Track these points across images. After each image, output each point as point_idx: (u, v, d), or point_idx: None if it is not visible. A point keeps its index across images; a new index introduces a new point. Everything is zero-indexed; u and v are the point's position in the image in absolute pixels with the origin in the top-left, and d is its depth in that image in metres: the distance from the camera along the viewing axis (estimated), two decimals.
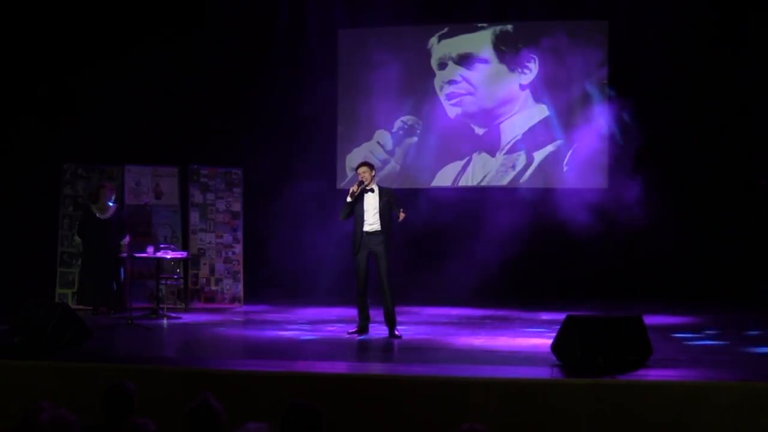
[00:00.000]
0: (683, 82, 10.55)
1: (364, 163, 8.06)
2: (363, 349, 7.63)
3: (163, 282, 9.86)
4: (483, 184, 11.41)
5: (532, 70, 11.24)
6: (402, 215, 7.73)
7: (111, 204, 9.60)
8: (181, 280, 10.23)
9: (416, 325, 8.68)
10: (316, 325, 8.73)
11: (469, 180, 11.49)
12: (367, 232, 7.92)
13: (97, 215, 9.53)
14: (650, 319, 7.09)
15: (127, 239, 9.43)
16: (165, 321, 9.11)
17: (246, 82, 11.44)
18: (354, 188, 7.93)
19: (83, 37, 11.09)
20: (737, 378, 5.67)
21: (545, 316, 9.18)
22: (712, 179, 10.60)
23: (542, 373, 5.97)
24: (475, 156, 11.47)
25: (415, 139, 11.58)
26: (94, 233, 9.48)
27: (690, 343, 7.62)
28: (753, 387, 5.41)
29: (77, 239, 9.86)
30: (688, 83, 10.56)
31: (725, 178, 10.56)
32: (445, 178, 11.53)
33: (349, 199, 7.92)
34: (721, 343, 7.68)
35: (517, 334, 8.13)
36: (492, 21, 11.27)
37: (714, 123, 10.54)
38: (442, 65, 11.59)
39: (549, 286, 10.72)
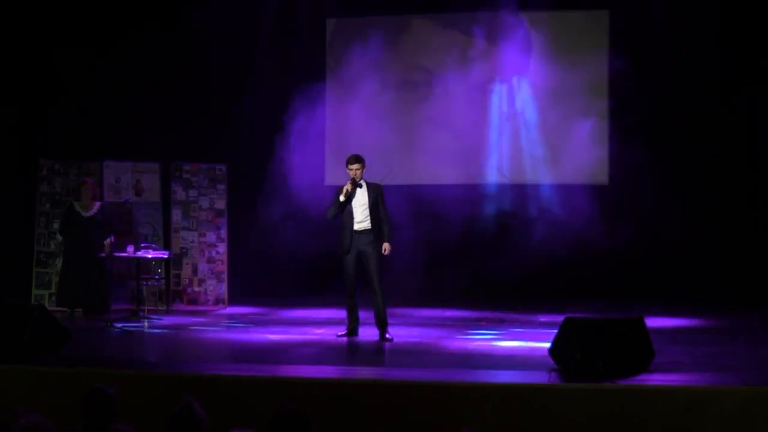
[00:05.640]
0: (685, 74, 10.49)
1: (357, 159, 7.85)
2: (353, 353, 7.54)
3: (144, 283, 9.70)
4: (478, 181, 11.27)
5: (529, 62, 11.12)
6: (387, 248, 7.75)
7: (96, 202, 9.45)
8: (163, 281, 10.07)
9: (408, 327, 8.58)
10: (304, 328, 8.62)
11: (464, 177, 11.33)
12: (356, 231, 7.76)
13: (81, 213, 9.35)
14: (652, 321, 7.04)
15: (111, 238, 9.31)
16: (146, 323, 8.97)
17: (230, 74, 11.28)
18: (348, 186, 7.76)
19: (61, 26, 10.89)
20: (743, 382, 5.60)
21: (543, 318, 9.10)
22: (714, 176, 10.52)
23: (540, 377, 5.89)
24: (469, 152, 11.31)
25: (408, 133, 11.40)
26: (77, 232, 9.33)
27: (693, 345, 7.51)
28: (758, 392, 5.33)
29: (59, 238, 9.71)
30: (691, 76, 10.49)
31: (728, 175, 10.49)
32: (438, 175, 11.38)
33: (342, 198, 7.76)
34: (725, 345, 7.56)
35: (514, 337, 8.04)
36: (488, 10, 11.14)
37: (717, 119, 10.47)
38: (436, 58, 11.41)
39: (546, 286, 10.60)
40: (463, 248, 10.73)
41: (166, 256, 9.68)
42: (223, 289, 10.38)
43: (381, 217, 7.82)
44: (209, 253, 10.38)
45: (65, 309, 9.29)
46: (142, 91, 10.99)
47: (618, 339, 6.01)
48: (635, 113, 10.60)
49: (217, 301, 10.36)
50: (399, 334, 7.97)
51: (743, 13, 10.40)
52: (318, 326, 8.67)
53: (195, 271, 10.33)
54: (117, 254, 9.22)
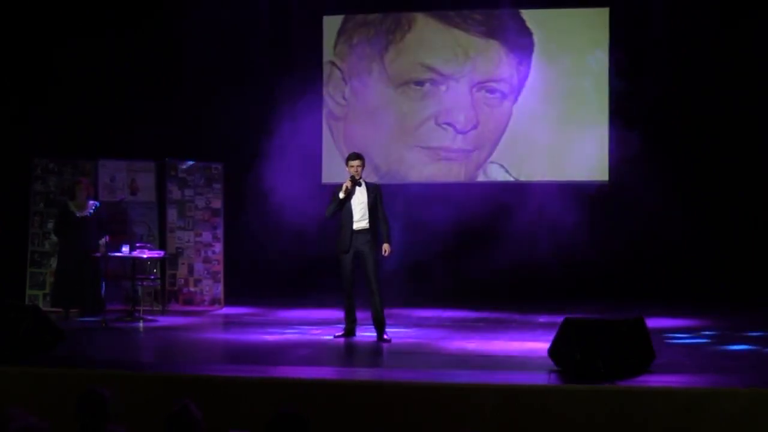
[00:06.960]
0: (687, 72, 10.47)
1: (358, 156, 7.80)
2: (350, 354, 7.50)
3: (139, 283, 9.61)
4: (477, 179, 11.21)
5: (529, 59, 11.07)
6: (387, 249, 7.77)
7: (90, 201, 9.38)
8: (158, 281, 10.00)
9: (406, 328, 8.54)
10: (301, 328, 8.57)
11: (461, 176, 11.28)
12: (355, 230, 7.71)
13: (75, 213, 9.29)
14: (652, 322, 6.97)
15: (106, 239, 9.25)
16: (141, 324, 8.93)
17: (227, 72, 11.23)
18: (347, 184, 7.70)
19: (54, 22, 10.83)
20: (745, 384, 5.58)
21: (542, 318, 9.05)
22: (714, 176, 10.49)
23: (539, 378, 5.87)
24: (467, 150, 11.25)
25: (407, 131, 11.34)
26: (71, 232, 9.25)
27: (695, 346, 7.48)
28: (759, 393, 5.29)
29: (54, 238, 9.65)
30: (693, 73, 10.47)
31: (728, 175, 10.45)
32: (436, 173, 11.33)
33: (342, 196, 7.70)
34: (727, 346, 7.53)
35: (513, 338, 7.99)
36: (489, 8, 11.10)
37: (719, 117, 10.44)
38: (435, 56, 11.35)
39: (546, 286, 10.55)
40: (461, 247, 10.67)
41: (161, 256, 9.62)
42: (219, 289, 10.32)
43: (379, 218, 7.79)
44: (205, 252, 10.32)
45: (60, 309, 9.22)
46: (137, 89, 10.93)
47: (618, 339, 5.95)
48: (635, 112, 10.58)
49: (213, 302, 10.30)
50: (397, 334, 7.93)
51: (743, 13, 10.38)
52: (315, 327, 8.62)
53: (191, 271, 10.28)
54: (112, 254, 9.16)
